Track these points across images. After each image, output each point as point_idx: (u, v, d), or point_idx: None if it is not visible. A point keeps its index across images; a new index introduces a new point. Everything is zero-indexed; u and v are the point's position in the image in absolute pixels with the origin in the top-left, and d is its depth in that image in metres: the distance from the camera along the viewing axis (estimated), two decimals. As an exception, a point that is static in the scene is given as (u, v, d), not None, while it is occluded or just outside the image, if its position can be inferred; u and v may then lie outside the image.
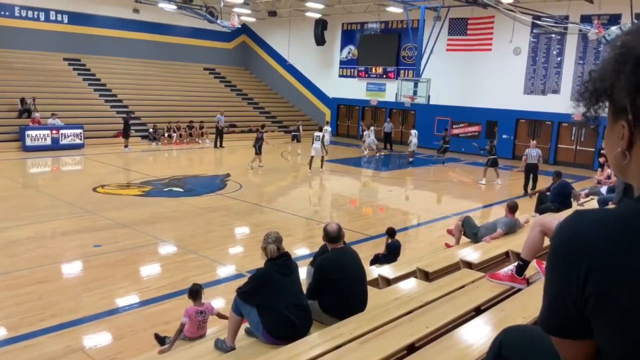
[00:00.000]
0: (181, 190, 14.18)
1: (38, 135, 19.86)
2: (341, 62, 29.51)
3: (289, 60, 31.23)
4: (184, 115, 24.65)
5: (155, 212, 11.59)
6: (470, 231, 7.62)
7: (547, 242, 4.18)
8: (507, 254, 6.42)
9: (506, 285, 4.46)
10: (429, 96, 22.31)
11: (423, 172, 19.66)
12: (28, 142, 19.56)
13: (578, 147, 21.70)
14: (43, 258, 8.28)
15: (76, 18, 26.37)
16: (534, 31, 21.93)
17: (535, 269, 4.55)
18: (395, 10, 24.46)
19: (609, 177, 12.36)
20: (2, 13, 24.18)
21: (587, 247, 0.98)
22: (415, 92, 22.59)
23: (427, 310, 4.13)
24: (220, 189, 14.54)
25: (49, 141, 19.98)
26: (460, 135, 24.24)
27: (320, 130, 19.43)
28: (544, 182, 13.59)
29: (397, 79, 25.56)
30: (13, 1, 24.39)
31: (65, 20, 26.21)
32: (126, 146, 20.91)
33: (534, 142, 15.77)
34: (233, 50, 33.27)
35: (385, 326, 3.84)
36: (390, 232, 7.90)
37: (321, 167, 17.83)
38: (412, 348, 3.60)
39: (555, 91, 21.67)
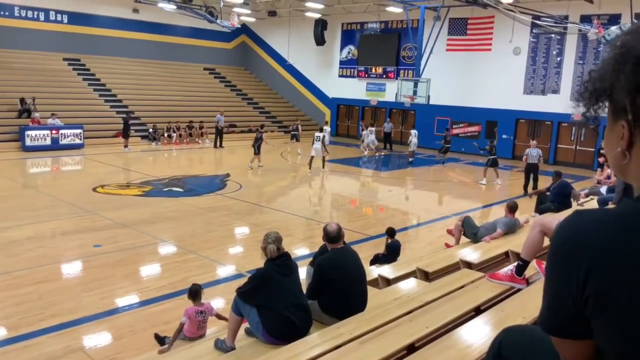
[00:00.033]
0: (181, 190, 14.18)
1: (38, 135, 19.86)
2: (341, 62, 29.51)
3: (289, 60, 31.22)
4: (184, 115, 24.64)
5: (155, 212, 11.59)
6: (470, 231, 7.62)
7: (546, 242, 4.18)
8: (506, 254, 6.42)
9: (506, 285, 4.46)
10: (428, 96, 22.31)
11: (423, 172, 19.66)
12: (28, 142, 19.56)
13: (578, 147, 21.71)
14: (43, 258, 8.28)
15: (76, 18, 26.37)
16: (534, 31, 21.94)
17: (535, 269, 4.54)
18: (395, 10, 24.47)
19: (608, 177, 12.37)
20: (2, 13, 24.17)
21: (587, 247, 0.98)
22: (415, 92, 22.59)
23: (427, 310, 4.13)
24: (220, 189, 14.54)
25: (48, 141, 19.98)
26: (460, 135, 24.24)
27: (321, 130, 19.45)
28: (544, 182, 13.60)
29: (397, 79, 25.56)
30: (13, 1, 24.38)
31: (65, 20, 26.21)
32: (126, 146, 20.90)
33: (535, 142, 15.77)
34: (233, 50, 33.27)
35: (385, 326, 3.84)
36: (390, 232, 7.90)
37: (323, 167, 17.87)
38: (412, 348, 3.60)
39: (555, 91, 21.68)
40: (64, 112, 21.67)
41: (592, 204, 9.32)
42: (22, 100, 21.10)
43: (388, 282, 5.82)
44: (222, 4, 21.88)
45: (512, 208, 7.60)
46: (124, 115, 22.47)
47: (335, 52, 29.52)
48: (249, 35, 33.41)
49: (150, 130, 23.32)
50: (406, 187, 17.42)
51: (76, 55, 26.28)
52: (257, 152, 17.55)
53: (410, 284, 5.24)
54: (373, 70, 28.03)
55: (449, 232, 8.24)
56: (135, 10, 27.75)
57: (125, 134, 21.04)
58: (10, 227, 9.83)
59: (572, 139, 21.80)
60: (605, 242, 0.97)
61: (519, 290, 4.36)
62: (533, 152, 14.80)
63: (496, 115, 22.90)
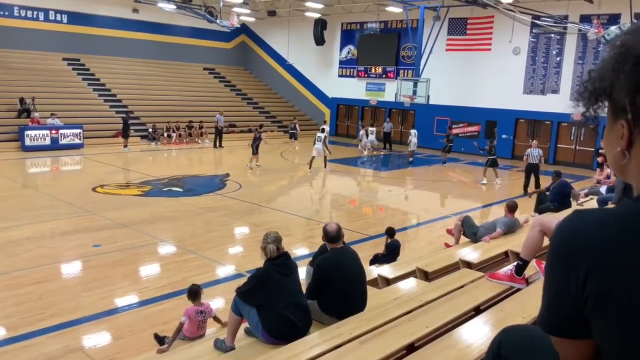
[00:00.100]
0: (180, 190, 14.18)
1: (37, 135, 19.85)
2: (341, 62, 29.51)
3: (289, 60, 31.21)
4: (184, 115, 24.63)
5: (154, 212, 11.59)
6: (469, 231, 7.62)
7: (546, 241, 4.18)
8: (506, 253, 6.42)
9: (505, 285, 4.46)
10: (428, 96, 22.32)
11: (423, 172, 19.66)
12: (27, 142, 19.55)
13: (577, 147, 21.72)
14: (42, 258, 8.27)
15: (76, 18, 26.36)
16: (534, 31, 21.94)
17: (534, 268, 4.54)
18: (395, 10, 24.47)
19: (608, 177, 12.37)
20: (2, 13, 24.15)
21: (587, 247, 0.98)
22: (414, 92, 22.60)
23: (426, 310, 4.13)
24: (220, 188, 14.54)
25: (48, 141, 19.97)
26: (459, 135, 24.23)
27: (323, 131, 19.46)
28: (544, 182, 13.60)
29: (396, 78, 25.57)
30: (12, 1, 24.37)
31: (65, 20, 26.20)
32: (125, 146, 20.90)
33: (535, 142, 15.79)
34: (232, 50, 33.26)
35: (385, 326, 3.84)
36: (390, 232, 7.90)
37: (324, 166, 17.88)
38: (411, 348, 3.60)
39: (555, 91, 21.68)
40: (64, 112, 21.66)
41: (592, 203, 9.33)
42: (22, 100, 21.10)
43: (388, 281, 5.82)
44: (221, 3, 21.88)
45: (511, 208, 7.60)
46: (124, 115, 22.45)
47: (335, 52, 29.52)
48: (248, 35, 33.40)
49: (150, 130, 23.31)
50: (406, 187, 17.42)
51: (76, 55, 26.27)
52: (255, 152, 17.56)
53: (410, 283, 5.24)
54: (373, 70, 28.03)
55: (449, 231, 8.24)
56: (135, 10, 27.75)
57: (124, 133, 21.03)
58: (9, 227, 9.83)
59: (572, 138, 21.81)
60: (605, 242, 0.97)
61: (518, 290, 4.36)
62: (534, 152, 14.81)
63: (496, 115, 22.91)
